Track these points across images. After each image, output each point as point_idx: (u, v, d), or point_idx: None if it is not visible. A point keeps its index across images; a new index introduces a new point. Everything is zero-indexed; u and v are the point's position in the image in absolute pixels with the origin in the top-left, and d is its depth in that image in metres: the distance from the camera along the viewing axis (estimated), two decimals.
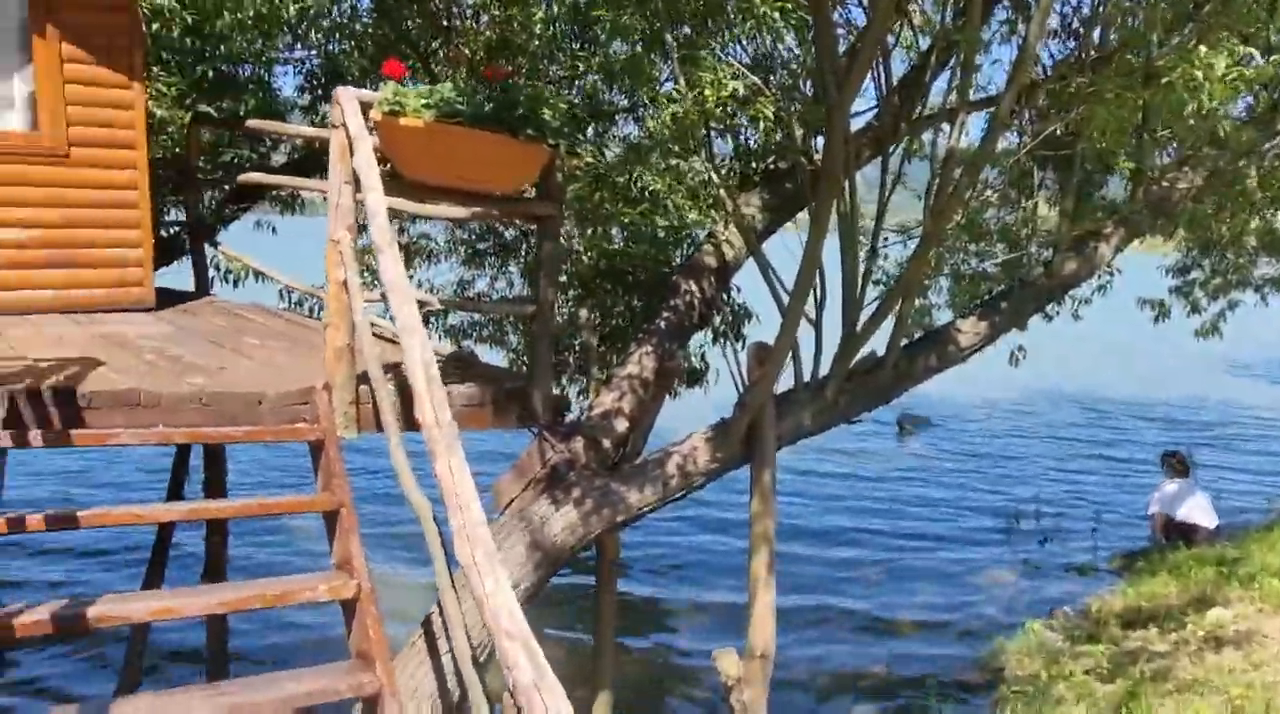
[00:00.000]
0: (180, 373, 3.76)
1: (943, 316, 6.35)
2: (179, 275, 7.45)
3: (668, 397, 4.79)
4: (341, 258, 3.53)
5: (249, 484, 10.13)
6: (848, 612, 8.05)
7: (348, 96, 3.48)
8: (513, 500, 4.06)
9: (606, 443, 4.21)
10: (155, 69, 7.19)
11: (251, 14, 6.09)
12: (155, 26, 6.82)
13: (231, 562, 5.83)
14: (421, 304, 5.15)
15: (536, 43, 6.14)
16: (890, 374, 4.48)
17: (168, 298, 5.79)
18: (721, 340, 6.40)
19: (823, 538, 9.88)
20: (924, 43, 4.73)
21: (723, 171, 5.11)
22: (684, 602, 8.33)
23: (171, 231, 8.21)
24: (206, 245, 6.40)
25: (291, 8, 6.39)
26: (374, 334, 4.64)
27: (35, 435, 3.06)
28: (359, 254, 7.41)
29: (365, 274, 8.47)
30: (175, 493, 5.73)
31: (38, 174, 4.90)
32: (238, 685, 2.77)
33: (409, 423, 3.74)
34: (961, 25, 3.76)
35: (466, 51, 6.41)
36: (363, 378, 3.61)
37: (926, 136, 4.86)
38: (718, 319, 6.29)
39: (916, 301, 5.37)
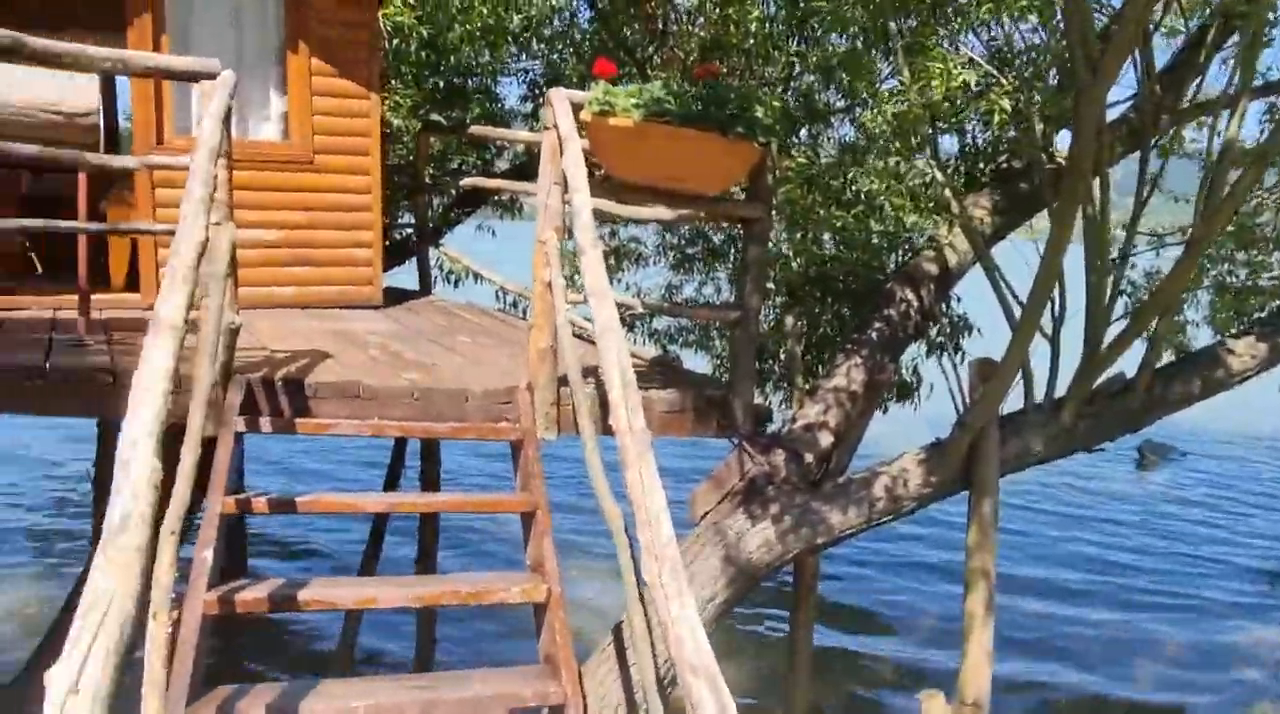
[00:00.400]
0: (398, 368, 3.92)
1: (1200, 336, 5.58)
2: (408, 275, 7.96)
3: (876, 411, 4.50)
4: (547, 259, 3.54)
5: (458, 477, 10.62)
6: (1068, 686, 6.95)
7: (559, 97, 3.48)
8: (708, 512, 3.92)
9: (809, 457, 3.98)
10: (394, 82, 7.72)
11: (479, 26, 6.35)
12: (395, 42, 7.30)
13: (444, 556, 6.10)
14: (624, 307, 5.13)
15: (751, 41, 5.99)
16: (1141, 399, 3.94)
17: (395, 296, 6.15)
18: (938, 353, 5.97)
19: (1040, 588, 8.64)
20: (1188, 25, 4.15)
21: (947, 171, 4.73)
22: (883, 636, 7.85)
23: (402, 234, 8.82)
24: (431, 247, 6.75)
25: (516, 18, 6.61)
26: (577, 335, 4.68)
27: (265, 421, 3.27)
28: (567, 256, 7.55)
29: (574, 276, 8.73)
30: (391, 485, 6.05)
31: (287, 180, 5.33)
32: (430, 679, 2.81)
33: (607, 427, 3.72)
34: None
35: (680, 53, 6.36)
36: (564, 380, 3.59)
37: (1188, 131, 4.26)
38: (934, 330, 5.87)
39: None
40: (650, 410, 3.82)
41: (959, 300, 6.24)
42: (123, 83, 7.31)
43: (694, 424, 3.93)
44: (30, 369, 3.27)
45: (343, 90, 5.40)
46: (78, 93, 3.60)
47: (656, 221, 6.63)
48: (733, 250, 9.63)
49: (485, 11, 6.20)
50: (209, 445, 3.05)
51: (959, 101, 3.86)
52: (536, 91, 8.54)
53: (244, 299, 5.23)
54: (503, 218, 9.18)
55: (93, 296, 4.75)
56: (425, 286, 6.56)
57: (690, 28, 6.69)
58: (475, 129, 6.24)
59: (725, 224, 9.92)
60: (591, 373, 3.59)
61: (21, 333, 4.06)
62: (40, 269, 6.14)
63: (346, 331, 4.78)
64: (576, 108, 3.49)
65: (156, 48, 4.93)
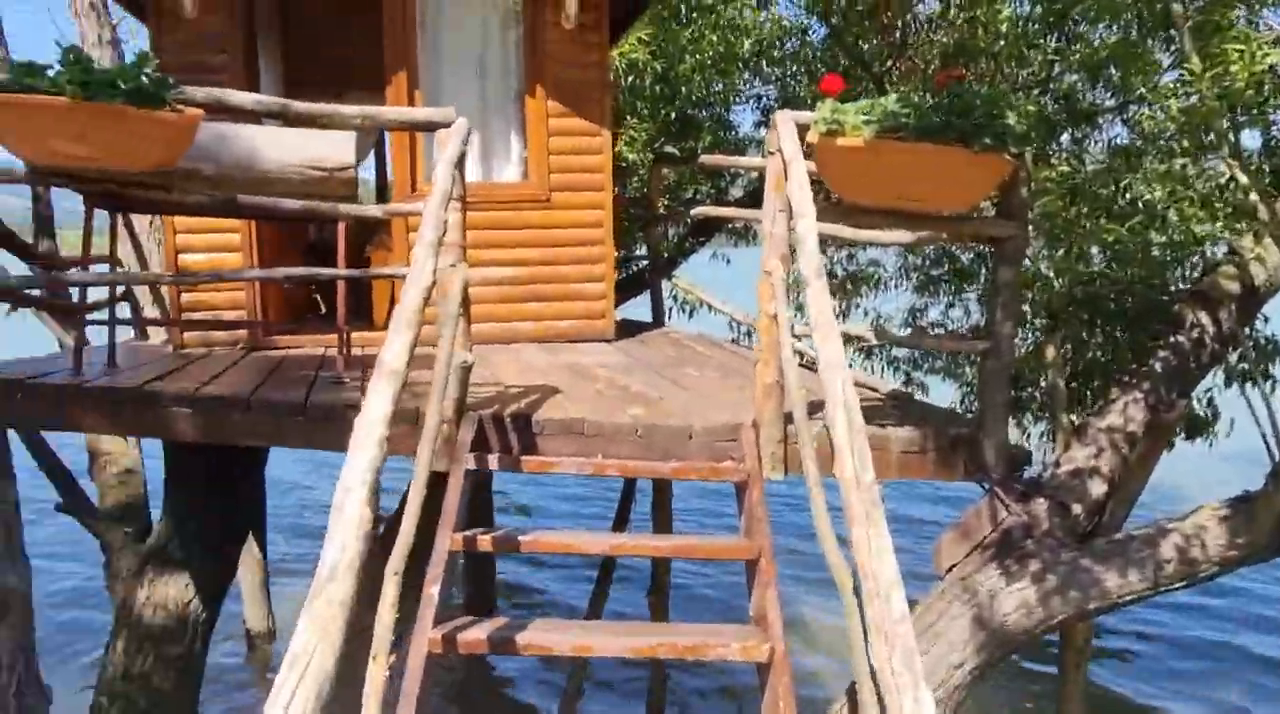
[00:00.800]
0: (624, 403, 3.88)
1: None
2: (644, 307, 8.06)
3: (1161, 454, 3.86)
4: (773, 290, 3.35)
5: (680, 515, 10.46)
6: None
7: (784, 119, 3.30)
8: (954, 565, 3.52)
9: (1077, 508, 3.47)
10: (629, 117, 7.89)
11: (710, 54, 6.31)
12: (630, 78, 7.46)
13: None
14: (858, 339, 4.79)
15: (1001, 43, 5.48)
16: None
17: (628, 329, 6.20)
18: (1241, 383, 5.09)
19: None
20: None
21: (1251, 170, 4.01)
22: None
23: (638, 266, 8.97)
24: (665, 278, 6.77)
25: (746, 43, 6.51)
26: (803, 365, 4.43)
27: (493, 458, 3.32)
28: (795, 286, 7.29)
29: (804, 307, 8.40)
30: (620, 524, 6.06)
31: (524, 218, 5.53)
32: None
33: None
34: None
35: (920, 63, 5.96)
36: (791, 416, 3.37)
37: None
38: (1235, 355, 5.01)
39: None
40: (886, 450, 3.51)
41: (1266, 320, 5.31)
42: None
43: (936, 466, 3.55)
44: (293, 406, 3.55)
45: (577, 129, 5.53)
46: (337, 149, 3.89)
47: (896, 244, 6.24)
48: (983, 270, 8.93)
49: (715, 39, 6.15)
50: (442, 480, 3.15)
51: (1265, 87, 3.24)
52: (769, 117, 8.41)
53: (484, 335, 5.50)
54: (737, 245, 9.09)
55: (354, 335, 5.16)
56: (658, 318, 6.57)
57: (931, 36, 6.27)
58: (706, 158, 6.19)
59: (974, 243, 9.24)
60: (819, 409, 3.34)
61: (294, 370, 4.45)
62: (324, 309, 6.81)
63: (577, 365, 4.84)
64: (803, 129, 3.29)
65: (411, 101, 5.30)
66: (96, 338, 4.77)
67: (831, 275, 8.69)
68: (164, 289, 5.57)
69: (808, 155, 3.26)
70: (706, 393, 4.16)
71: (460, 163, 3.39)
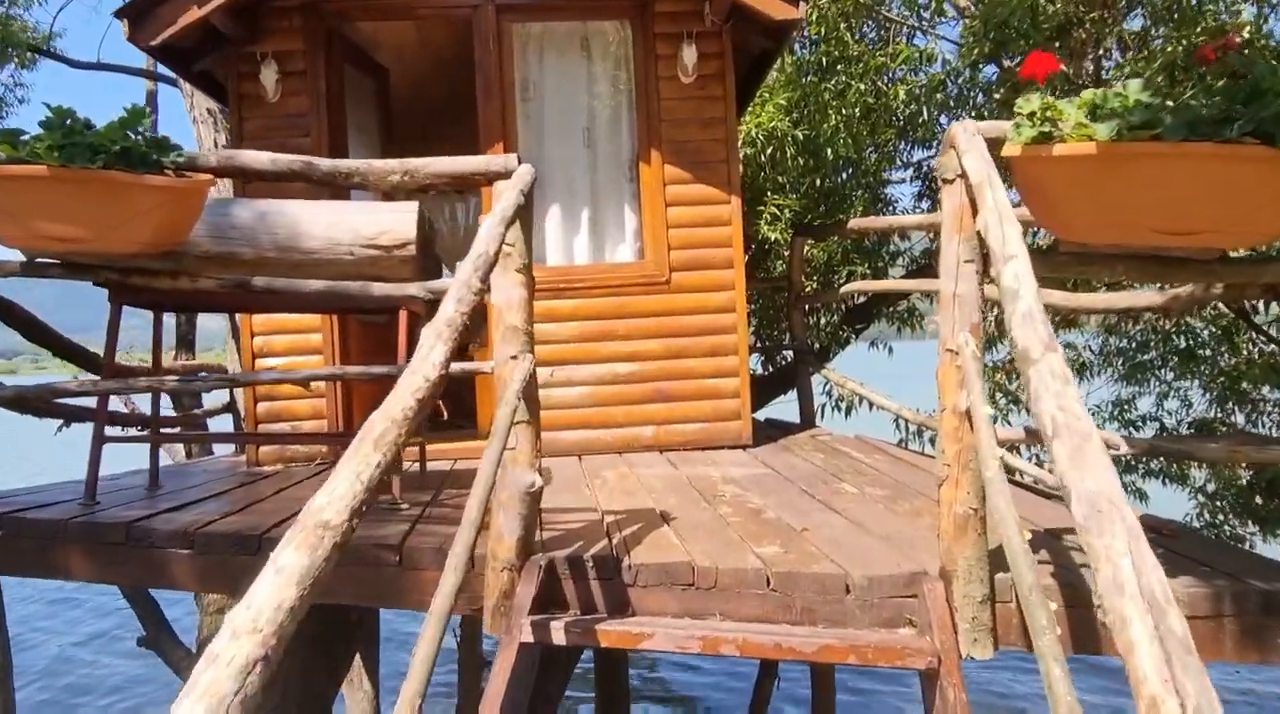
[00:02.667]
0: (753, 534, 2.85)
1: None
2: (792, 406, 7.01)
3: None
4: (961, 374, 2.28)
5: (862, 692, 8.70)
6: None
7: (966, 131, 2.29)
8: None
9: None
10: (769, 193, 7.03)
11: (859, 107, 5.38)
12: (770, 150, 6.63)
13: None
14: (1109, 446, 3.56)
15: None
16: None
17: (770, 432, 5.17)
18: None
19: None
20: None
21: None
22: None
23: (785, 359, 7.94)
24: (814, 372, 5.71)
25: (902, 92, 5.54)
26: (1015, 481, 3.27)
27: (558, 628, 2.35)
28: (990, 370, 6.04)
29: (1002, 399, 7.09)
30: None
31: (641, 305, 4.68)
32: None
33: (1084, 643, 2.27)
34: None
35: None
36: (999, 560, 2.25)
37: None
38: None
39: None
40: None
41: None
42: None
43: (1238, 642, 2.30)
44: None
45: (700, 197, 4.69)
46: (396, 222, 3.18)
47: (1128, 313, 5.01)
48: (1217, 351, 7.40)
49: (863, 89, 5.22)
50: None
51: None
52: (932, 187, 7.33)
53: (596, 444, 4.63)
54: (900, 332, 7.91)
55: (450, 446, 4.40)
56: (807, 418, 5.49)
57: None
58: (854, 222, 5.18)
59: (1195, 318, 7.73)
60: (1053, 549, 2.21)
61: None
62: (445, 415, 6.15)
63: (700, 479, 3.85)
64: (994, 144, 2.27)
65: None
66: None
67: (997, 366, 7.37)
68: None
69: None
70: (869, 521, 3.06)
71: (518, 221, 2.57)
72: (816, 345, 7.18)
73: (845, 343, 7.85)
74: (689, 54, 4.54)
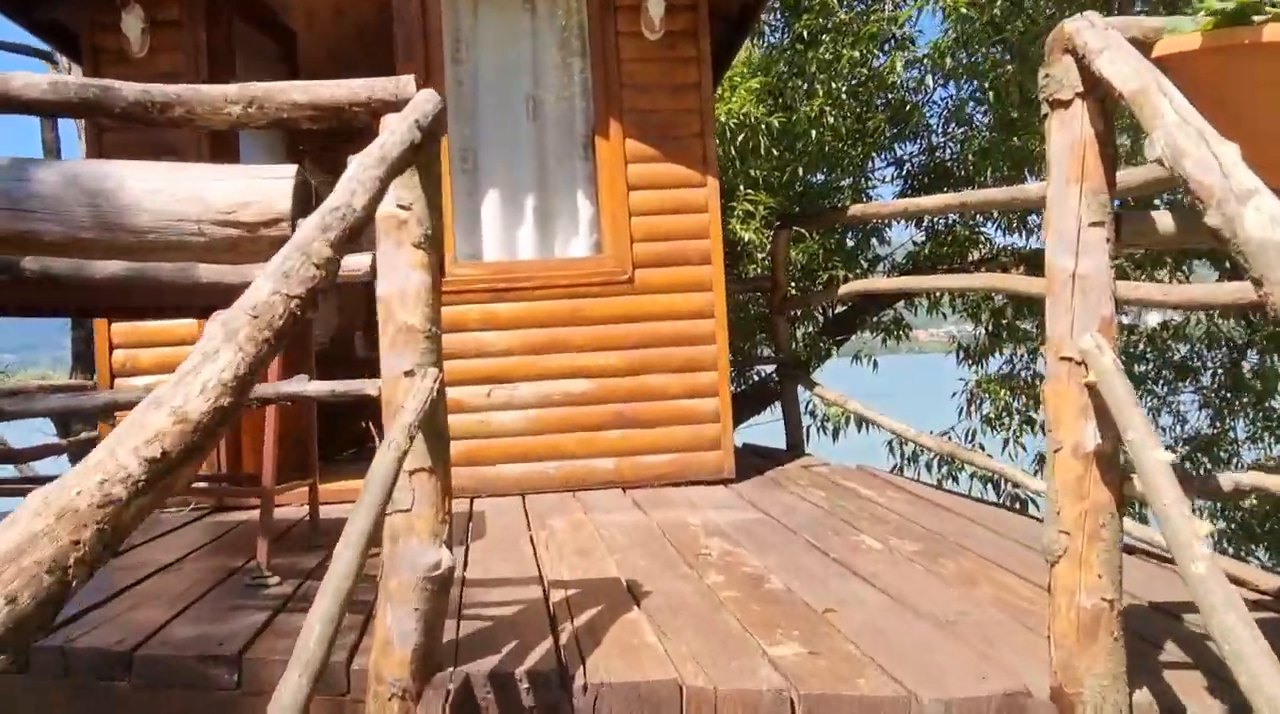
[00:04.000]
0: (760, 621, 2.02)
1: None
2: (767, 429, 6.20)
3: None
4: (1084, 397, 1.49)
5: None
6: None
7: (1093, 26, 1.50)
8: None
9: None
10: (740, 188, 6.26)
11: (849, 78, 4.61)
12: (741, 138, 5.86)
13: None
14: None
15: None
16: None
17: (751, 458, 4.34)
18: None
19: None
20: None
21: None
22: None
23: (760, 374, 7.15)
24: (800, 388, 4.90)
25: (898, 62, 4.79)
26: (1148, 552, 2.51)
27: None
28: (991, 382, 5.39)
29: (1011, 421, 6.30)
30: None
31: (599, 309, 3.84)
32: None
33: None
34: None
35: None
36: (1137, 671, 1.46)
37: None
38: None
39: None
40: None
41: None
42: None
43: None
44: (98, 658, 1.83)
45: (670, 178, 3.88)
46: (264, 192, 2.30)
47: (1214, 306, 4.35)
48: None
49: (856, 56, 4.46)
50: None
51: None
52: (917, 183, 6.60)
53: (541, 481, 3.74)
54: (885, 343, 7.15)
55: (336, 486, 3.52)
56: (794, 443, 4.67)
57: None
58: (855, 208, 4.41)
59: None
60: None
61: (196, 559, 2.79)
62: (376, 440, 5.20)
63: (677, 528, 3.00)
64: (1145, 44, 1.48)
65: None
66: None
67: (1018, 379, 6.65)
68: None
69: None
70: (911, 593, 2.23)
71: (419, 173, 1.73)
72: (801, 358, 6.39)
73: (825, 356, 7.08)
74: (655, 4, 3.73)
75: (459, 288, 3.74)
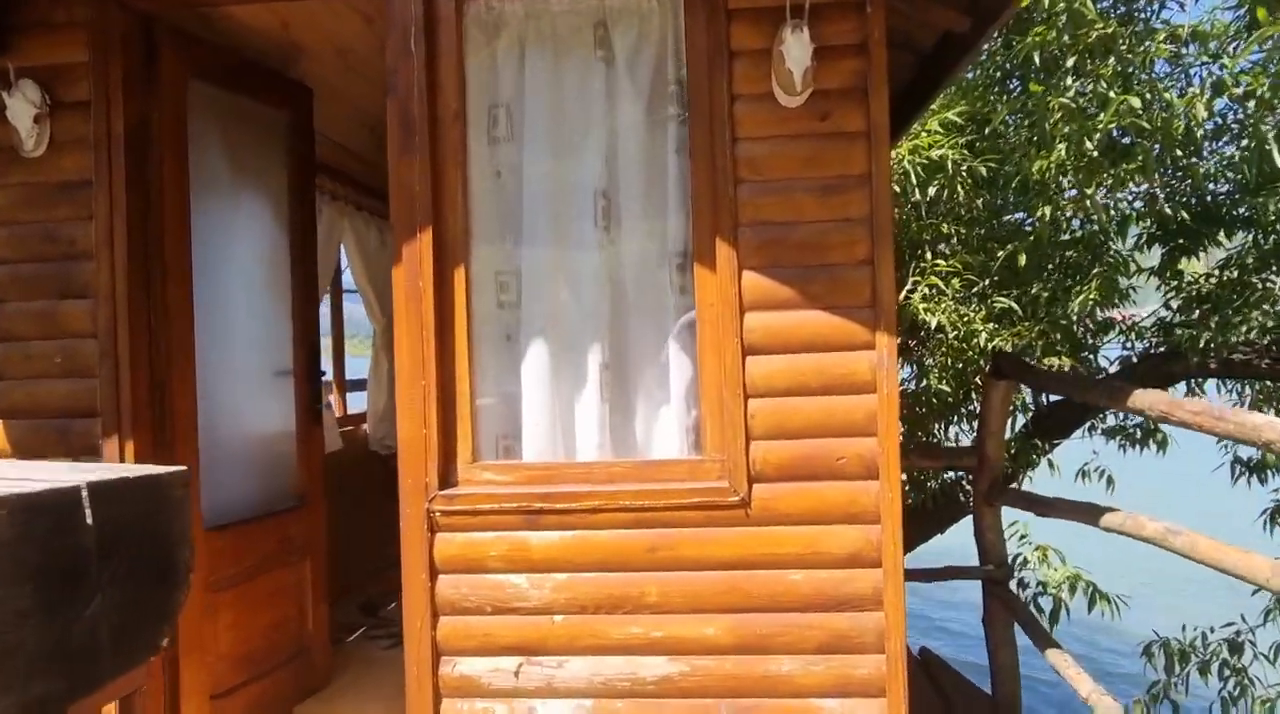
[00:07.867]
0: None
1: None
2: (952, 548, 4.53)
3: None
4: None
5: None
6: None
7: None
8: None
9: None
10: (926, 255, 4.63)
11: (1108, 129, 2.89)
12: (935, 189, 4.23)
13: None
14: None
15: None
16: None
17: (926, 690, 2.79)
18: None
19: None
20: None
21: None
22: None
23: (942, 481, 5.46)
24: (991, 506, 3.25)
25: (1200, 105, 3.00)
26: None
27: None
28: None
29: None
30: None
31: (692, 546, 2.38)
32: None
33: None
34: None
35: None
36: None
37: None
38: None
39: None
40: None
41: None
42: None
43: None
44: None
45: (815, 336, 2.35)
46: None
47: None
48: None
49: (1125, 98, 2.76)
50: None
51: None
52: (1178, 220, 4.63)
53: None
54: (1123, 447, 5.25)
55: None
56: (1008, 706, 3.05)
57: None
58: (1135, 398, 2.67)
59: None
60: None
61: None
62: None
63: None
64: None
65: (446, 302, 2.43)
66: None
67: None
68: None
69: None
70: None
71: None
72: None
73: (1033, 464, 5.28)
74: (797, 48, 2.21)
75: (474, 505, 2.39)
